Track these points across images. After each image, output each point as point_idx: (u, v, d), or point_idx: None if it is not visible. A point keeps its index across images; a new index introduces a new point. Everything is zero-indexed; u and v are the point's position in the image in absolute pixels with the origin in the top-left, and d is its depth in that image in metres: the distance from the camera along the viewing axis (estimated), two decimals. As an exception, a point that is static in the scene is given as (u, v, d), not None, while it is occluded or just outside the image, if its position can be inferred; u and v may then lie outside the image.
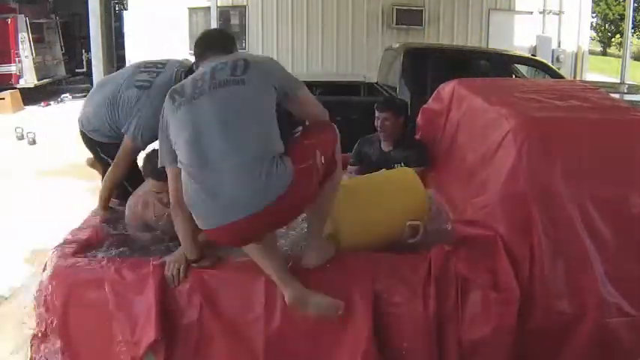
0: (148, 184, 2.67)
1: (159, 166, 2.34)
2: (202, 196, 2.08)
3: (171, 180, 2.29)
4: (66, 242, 2.68)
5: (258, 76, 2.19)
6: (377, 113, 3.56)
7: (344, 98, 6.77)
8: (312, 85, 7.46)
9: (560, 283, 2.33)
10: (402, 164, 3.38)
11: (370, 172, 3.27)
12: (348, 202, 2.52)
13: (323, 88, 7.31)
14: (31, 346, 2.52)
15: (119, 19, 15.00)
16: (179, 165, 2.18)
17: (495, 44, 11.12)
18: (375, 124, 3.56)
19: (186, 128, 2.12)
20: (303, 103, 2.34)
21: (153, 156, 2.58)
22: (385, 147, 3.59)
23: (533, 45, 12.51)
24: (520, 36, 12.43)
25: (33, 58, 13.38)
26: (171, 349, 2.32)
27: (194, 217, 2.18)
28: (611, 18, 27.79)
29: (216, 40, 2.48)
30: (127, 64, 12.48)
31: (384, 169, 3.22)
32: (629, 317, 2.35)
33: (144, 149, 2.86)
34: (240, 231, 2.09)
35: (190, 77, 2.30)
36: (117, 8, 16.31)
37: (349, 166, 3.70)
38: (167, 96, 2.27)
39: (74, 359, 2.43)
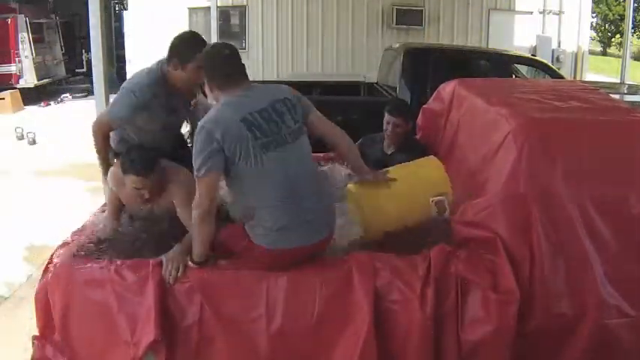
0: (128, 180, 2.64)
1: (196, 173, 2.33)
2: (291, 223, 2.38)
3: (208, 185, 2.31)
4: (67, 243, 2.68)
5: (302, 118, 2.53)
6: (387, 117, 3.47)
7: (344, 98, 6.77)
8: (312, 85, 7.51)
9: (560, 284, 2.33)
10: None
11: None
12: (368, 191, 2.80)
13: (323, 88, 7.31)
14: (33, 345, 2.53)
15: (119, 19, 14.99)
16: (256, 202, 2.38)
17: (495, 44, 11.10)
18: (384, 127, 3.49)
19: (279, 172, 2.37)
20: (317, 120, 2.63)
21: (132, 151, 2.62)
22: (387, 149, 3.54)
23: (533, 45, 12.49)
24: (520, 36, 12.41)
25: (33, 58, 13.37)
26: (171, 349, 2.32)
27: (276, 237, 2.38)
28: (611, 18, 27.76)
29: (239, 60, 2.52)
30: (127, 64, 12.52)
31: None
32: (628, 318, 2.35)
33: (114, 126, 2.90)
34: (308, 252, 2.44)
35: (256, 111, 2.37)
36: (117, 8, 16.33)
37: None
38: (241, 121, 2.33)
39: (75, 359, 2.44)
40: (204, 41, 2.84)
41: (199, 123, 2.37)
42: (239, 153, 2.31)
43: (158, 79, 2.84)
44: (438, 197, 2.73)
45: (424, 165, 2.96)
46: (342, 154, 2.83)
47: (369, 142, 3.64)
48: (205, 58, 2.54)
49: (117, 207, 2.89)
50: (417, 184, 2.84)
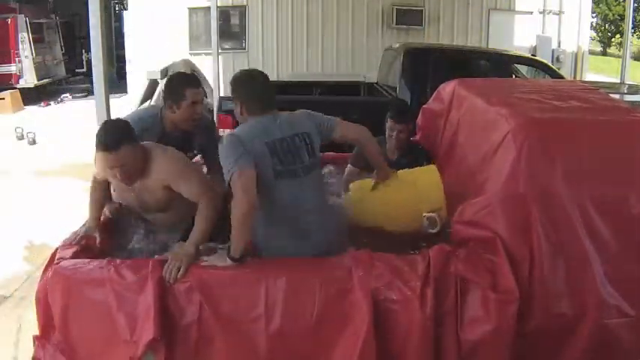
0: (102, 162, 2.56)
1: (229, 173, 2.34)
2: (289, 241, 2.52)
3: (244, 182, 2.32)
4: (67, 242, 2.68)
5: (318, 151, 2.65)
6: (391, 124, 3.46)
7: (344, 98, 6.78)
8: (312, 85, 7.51)
9: (559, 284, 2.33)
10: None
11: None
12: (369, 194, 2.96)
13: (323, 88, 7.31)
14: (34, 345, 2.53)
15: (119, 19, 14.99)
16: (262, 219, 2.47)
17: (495, 44, 11.11)
18: (388, 133, 3.48)
19: (287, 200, 2.50)
20: (342, 133, 2.73)
21: (103, 126, 2.57)
22: (391, 154, 3.51)
23: (533, 45, 12.50)
24: (520, 36, 12.41)
25: (33, 58, 13.38)
26: (171, 348, 2.32)
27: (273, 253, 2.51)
28: (611, 18, 27.75)
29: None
30: (127, 64, 12.51)
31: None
32: (628, 318, 2.35)
33: None
34: None
35: (278, 139, 2.49)
36: (117, 8, 16.34)
37: (349, 166, 3.66)
38: (265, 144, 2.45)
39: (74, 359, 2.44)
40: (195, 77, 3.04)
41: (227, 132, 2.49)
42: (257, 169, 2.40)
43: (155, 116, 3.01)
44: (430, 214, 2.83)
45: (425, 177, 3.02)
46: (367, 153, 2.95)
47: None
48: (238, 82, 2.64)
49: (99, 202, 2.84)
50: (413, 196, 2.94)
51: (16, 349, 3.27)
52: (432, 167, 3.09)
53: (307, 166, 2.55)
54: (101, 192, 2.85)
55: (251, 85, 2.60)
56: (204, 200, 2.55)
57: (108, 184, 2.82)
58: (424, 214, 2.83)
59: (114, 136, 2.50)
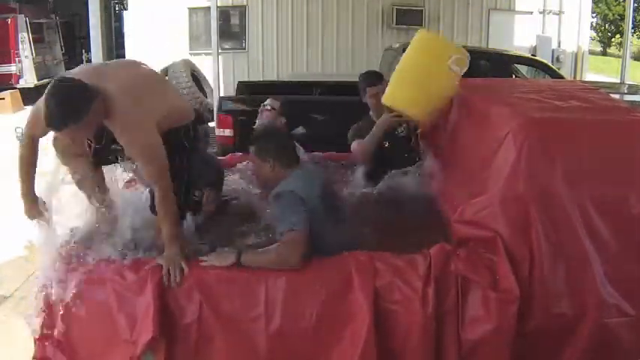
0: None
1: (290, 229, 2.35)
2: None
3: (304, 241, 2.36)
4: (66, 242, 2.68)
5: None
6: (373, 89, 3.57)
7: (344, 98, 6.77)
8: (312, 85, 7.50)
9: (560, 284, 2.33)
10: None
11: (381, 157, 3.50)
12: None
13: (323, 88, 7.30)
14: (35, 344, 2.53)
15: (119, 19, 14.99)
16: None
17: (495, 44, 11.11)
18: (371, 104, 3.58)
19: (328, 245, 2.47)
20: None
21: (52, 96, 2.35)
22: None
23: (533, 45, 12.50)
24: (520, 36, 12.42)
25: (33, 58, 13.38)
26: (170, 348, 2.33)
27: None
28: (611, 18, 27.73)
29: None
30: (127, 64, 12.44)
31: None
32: (628, 317, 2.35)
33: None
34: None
35: (321, 192, 2.55)
36: (117, 8, 16.33)
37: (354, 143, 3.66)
38: (314, 198, 2.48)
39: (74, 358, 2.44)
40: None
41: (283, 188, 2.47)
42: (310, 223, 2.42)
43: None
44: (452, 58, 3.00)
45: (423, 45, 3.20)
46: None
47: (357, 132, 3.63)
48: (265, 139, 2.66)
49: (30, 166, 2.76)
50: (428, 64, 3.12)
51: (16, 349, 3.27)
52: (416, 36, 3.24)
53: (337, 209, 2.69)
54: (33, 155, 2.76)
55: (280, 139, 2.66)
56: (159, 192, 2.48)
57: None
58: (447, 64, 2.99)
59: (59, 117, 2.31)
